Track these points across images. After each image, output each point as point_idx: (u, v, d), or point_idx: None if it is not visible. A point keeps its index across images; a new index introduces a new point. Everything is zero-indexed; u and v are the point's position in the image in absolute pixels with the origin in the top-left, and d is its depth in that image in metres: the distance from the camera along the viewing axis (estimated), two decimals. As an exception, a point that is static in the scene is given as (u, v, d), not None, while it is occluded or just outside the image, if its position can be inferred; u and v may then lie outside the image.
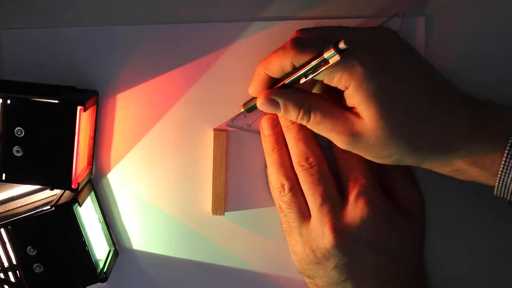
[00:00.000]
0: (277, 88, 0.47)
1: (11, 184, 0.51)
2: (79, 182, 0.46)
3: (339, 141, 0.45)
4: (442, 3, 0.51)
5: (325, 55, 0.42)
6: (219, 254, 0.53)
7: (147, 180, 0.52)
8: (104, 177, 0.52)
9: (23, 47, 0.51)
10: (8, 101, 0.44)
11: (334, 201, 0.47)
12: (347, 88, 0.44)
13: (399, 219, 0.48)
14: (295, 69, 0.45)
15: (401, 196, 0.50)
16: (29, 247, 0.47)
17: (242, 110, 0.51)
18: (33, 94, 0.45)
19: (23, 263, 0.47)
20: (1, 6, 0.50)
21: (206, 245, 0.53)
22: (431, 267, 0.53)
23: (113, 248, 0.52)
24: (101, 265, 0.50)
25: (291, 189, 0.49)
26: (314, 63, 0.43)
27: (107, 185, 0.52)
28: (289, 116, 0.47)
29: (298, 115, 0.46)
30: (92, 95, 0.48)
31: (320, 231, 0.47)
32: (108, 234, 0.52)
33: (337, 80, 0.44)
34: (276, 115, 0.50)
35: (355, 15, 0.51)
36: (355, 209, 0.47)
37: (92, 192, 0.51)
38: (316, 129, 0.46)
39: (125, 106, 0.51)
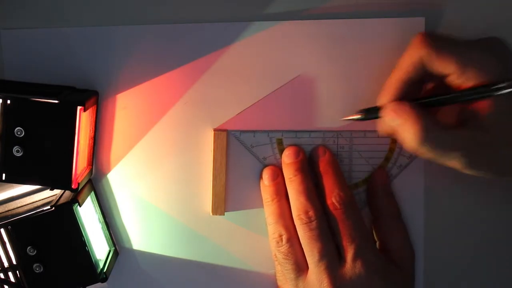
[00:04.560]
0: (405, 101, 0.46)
1: (11, 184, 0.51)
2: (79, 182, 0.46)
3: (459, 164, 0.44)
4: (442, 3, 0.51)
5: (496, 87, 0.42)
6: (219, 254, 0.53)
7: (147, 180, 0.52)
8: (104, 177, 0.52)
9: (23, 47, 0.51)
10: (8, 101, 0.44)
11: (332, 258, 0.48)
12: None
13: (392, 274, 0.49)
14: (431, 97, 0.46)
15: (393, 249, 0.51)
16: (29, 247, 0.47)
17: (359, 116, 0.49)
18: (33, 94, 0.45)
19: (23, 263, 0.47)
20: (1, 6, 0.50)
21: (206, 245, 0.53)
22: (430, 266, 0.53)
23: (113, 248, 0.52)
24: (101, 265, 0.50)
25: (288, 240, 0.49)
26: (474, 92, 0.44)
27: (107, 185, 0.52)
28: (403, 135, 0.45)
29: (415, 135, 0.44)
30: (92, 95, 0.48)
31: (318, 286, 0.48)
32: (108, 234, 0.52)
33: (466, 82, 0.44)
34: (277, 167, 0.51)
35: (357, 15, 0.51)
36: (353, 269, 0.47)
37: (92, 192, 0.51)
38: (429, 155, 0.45)
39: (125, 106, 0.51)
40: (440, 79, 0.46)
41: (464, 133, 0.44)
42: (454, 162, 0.45)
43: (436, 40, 0.45)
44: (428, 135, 0.44)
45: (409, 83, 0.46)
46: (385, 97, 0.47)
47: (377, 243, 0.52)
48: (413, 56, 0.45)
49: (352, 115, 0.49)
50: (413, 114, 0.44)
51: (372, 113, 0.48)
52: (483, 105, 0.44)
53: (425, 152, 0.45)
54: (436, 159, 0.45)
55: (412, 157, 0.52)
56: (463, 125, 0.45)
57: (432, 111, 0.47)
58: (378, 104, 0.48)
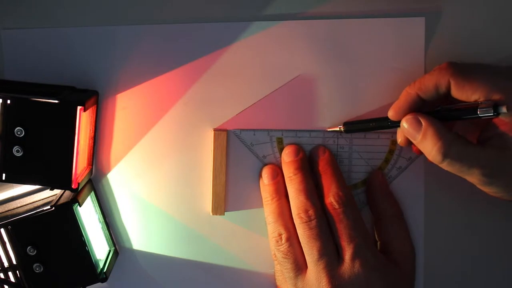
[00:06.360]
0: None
1: (11, 184, 0.51)
2: (79, 182, 0.46)
3: (478, 180, 0.45)
4: (442, 3, 0.51)
5: (479, 113, 0.43)
6: (219, 254, 0.53)
7: (147, 180, 0.52)
8: (104, 177, 0.52)
9: (23, 47, 0.51)
10: (8, 101, 0.44)
11: (331, 257, 0.48)
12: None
13: (391, 273, 0.49)
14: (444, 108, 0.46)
15: (395, 249, 0.51)
16: (29, 247, 0.47)
17: (340, 128, 0.51)
18: (33, 94, 0.45)
19: (23, 263, 0.47)
20: (1, 6, 0.50)
21: (206, 245, 0.53)
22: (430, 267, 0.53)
23: (113, 248, 0.52)
24: (101, 265, 0.50)
25: (288, 239, 0.49)
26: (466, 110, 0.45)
27: (107, 185, 0.52)
28: (423, 146, 0.46)
29: (434, 147, 0.45)
30: (92, 95, 0.48)
31: (317, 285, 0.48)
32: (108, 234, 0.52)
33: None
34: (277, 165, 0.51)
35: (356, 15, 0.51)
36: (351, 269, 0.47)
37: (92, 192, 0.51)
38: (450, 168, 0.45)
39: (125, 106, 0.51)
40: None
41: (488, 151, 0.44)
42: (474, 178, 0.45)
43: (464, 67, 0.45)
44: (451, 148, 0.44)
45: (423, 102, 0.47)
46: (397, 111, 0.47)
47: (379, 244, 0.52)
48: (438, 79, 0.45)
49: (335, 126, 0.51)
50: (434, 126, 0.45)
51: (356, 126, 0.50)
52: (510, 126, 0.44)
53: (447, 165, 0.45)
54: (456, 172, 0.45)
55: (412, 159, 0.52)
56: (486, 142, 0.45)
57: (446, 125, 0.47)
58: (389, 116, 0.48)
